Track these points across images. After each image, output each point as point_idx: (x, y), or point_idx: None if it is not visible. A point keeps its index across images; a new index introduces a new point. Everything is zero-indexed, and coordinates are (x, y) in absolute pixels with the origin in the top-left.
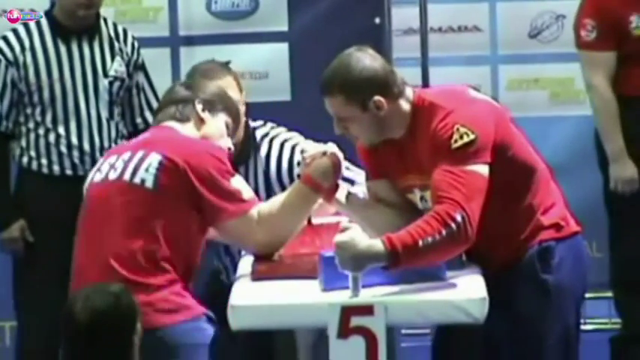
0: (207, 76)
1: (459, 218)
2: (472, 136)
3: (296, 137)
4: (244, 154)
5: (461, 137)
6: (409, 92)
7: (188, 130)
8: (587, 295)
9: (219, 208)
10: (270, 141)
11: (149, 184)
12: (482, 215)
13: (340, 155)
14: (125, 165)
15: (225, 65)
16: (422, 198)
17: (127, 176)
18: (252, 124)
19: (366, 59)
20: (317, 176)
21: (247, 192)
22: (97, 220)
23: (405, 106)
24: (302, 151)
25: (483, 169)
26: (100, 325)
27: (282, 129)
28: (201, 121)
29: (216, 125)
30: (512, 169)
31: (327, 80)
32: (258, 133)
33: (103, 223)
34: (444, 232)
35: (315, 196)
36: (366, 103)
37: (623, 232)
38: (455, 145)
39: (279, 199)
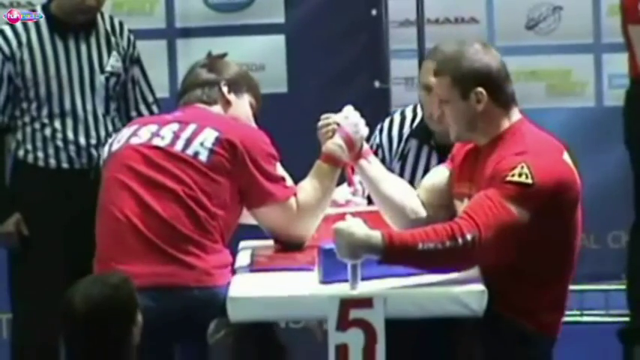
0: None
1: (468, 237)
2: (529, 181)
3: None
4: None
5: (519, 175)
6: (515, 112)
7: (216, 112)
8: (584, 288)
9: (267, 192)
10: None
11: (203, 157)
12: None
13: (352, 120)
14: (176, 135)
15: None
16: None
17: (178, 146)
18: None
19: (483, 54)
20: (334, 152)
21: (289, 179)
22: (144, 181)
23: (502, 119)
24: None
25: (521, 215)
26: (98, 315)
27: None
28: (227, 103)
29: (243, 106)
30: (547, 239)
31: (441, 61)
32: None
33: (150, 185)
34: (447, 243)
35: (338, 170)
36: (468, 93)
37: None
38: (509, 178)
39: (309, 184)
